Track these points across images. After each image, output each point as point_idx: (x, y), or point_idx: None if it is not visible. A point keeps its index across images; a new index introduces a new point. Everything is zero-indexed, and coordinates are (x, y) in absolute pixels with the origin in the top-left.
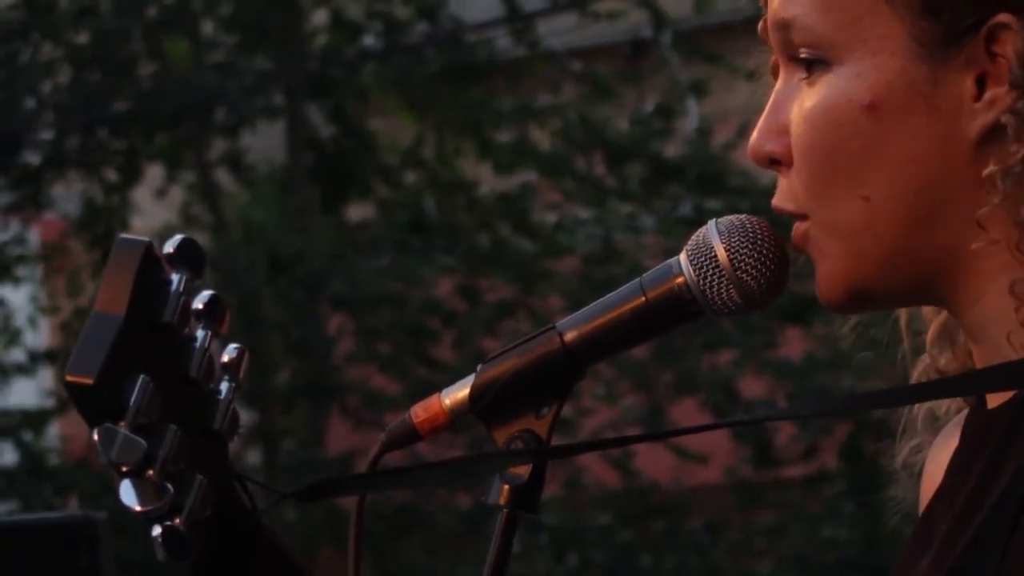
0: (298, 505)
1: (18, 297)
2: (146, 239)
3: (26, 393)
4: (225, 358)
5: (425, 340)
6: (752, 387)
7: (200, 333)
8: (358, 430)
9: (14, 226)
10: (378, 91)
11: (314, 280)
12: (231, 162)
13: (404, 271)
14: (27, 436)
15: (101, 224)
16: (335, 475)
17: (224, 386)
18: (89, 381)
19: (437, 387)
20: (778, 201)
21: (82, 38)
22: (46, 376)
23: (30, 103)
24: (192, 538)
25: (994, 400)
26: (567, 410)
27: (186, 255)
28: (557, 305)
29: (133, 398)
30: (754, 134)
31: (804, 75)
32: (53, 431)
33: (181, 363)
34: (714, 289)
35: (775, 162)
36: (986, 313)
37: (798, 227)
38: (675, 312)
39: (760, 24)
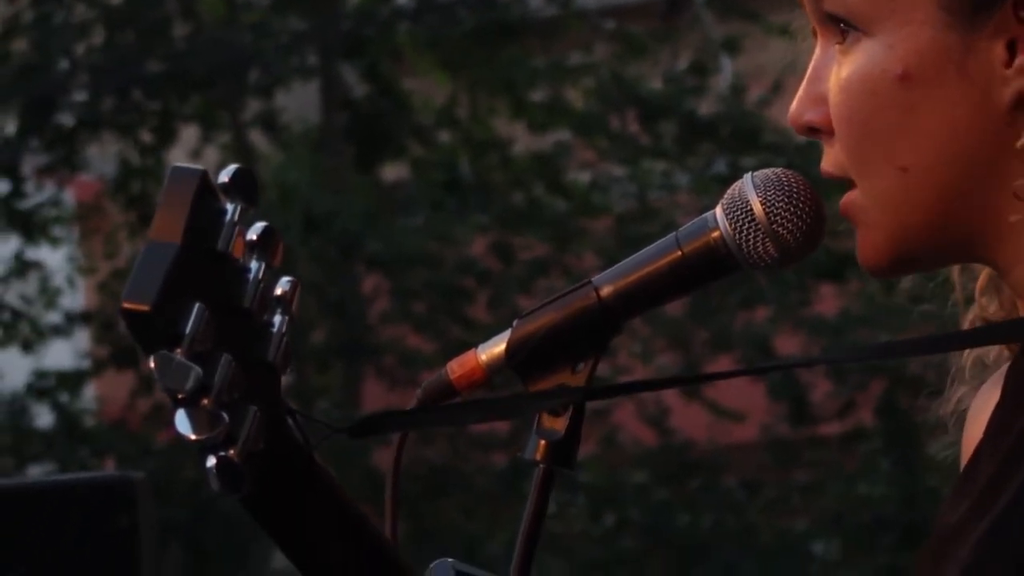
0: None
1: (55, 259)
2: (201, 167)
3: (62, 355)
4: (279, 291)
5: (460, 299)
6: (787, 344)
7: (254, 264)
8: (393, 390)
9: (49, 187)
10: (412, 51)
11: (349, 240)
12: (265, 123)
13: (439, 231)
14: (64, 398)
15: (136, 185)
16: (385, 410)
17: (277, 319)
18: (145, 308)
19: (472, 346)
20: (826, 166)
21: None
22: (82, 337)
23: (64, 64)
24: (247, 470)
25: None
26: (603, 368)
27: (241, 185)
28: (592, 264)
29: (189, 326)
30: (794, 103)
31: (840, 43)
32: (89, 393)
33: (235, 293)
34: (750, 243)
35: (814, 130)
36: None
37: (847, 196)
38: (711, 266)
39: None
